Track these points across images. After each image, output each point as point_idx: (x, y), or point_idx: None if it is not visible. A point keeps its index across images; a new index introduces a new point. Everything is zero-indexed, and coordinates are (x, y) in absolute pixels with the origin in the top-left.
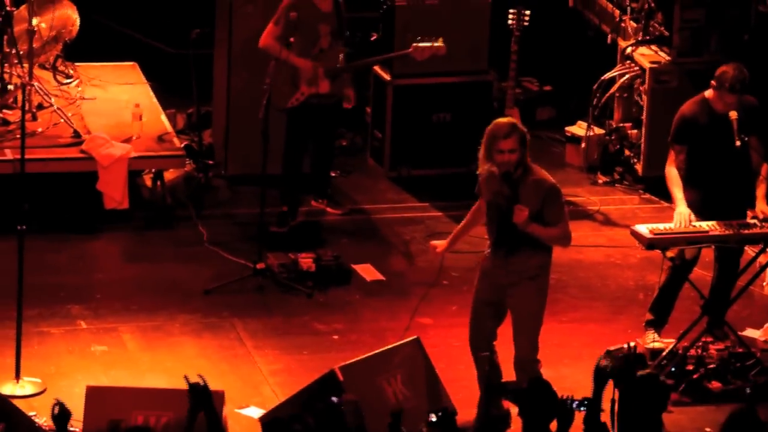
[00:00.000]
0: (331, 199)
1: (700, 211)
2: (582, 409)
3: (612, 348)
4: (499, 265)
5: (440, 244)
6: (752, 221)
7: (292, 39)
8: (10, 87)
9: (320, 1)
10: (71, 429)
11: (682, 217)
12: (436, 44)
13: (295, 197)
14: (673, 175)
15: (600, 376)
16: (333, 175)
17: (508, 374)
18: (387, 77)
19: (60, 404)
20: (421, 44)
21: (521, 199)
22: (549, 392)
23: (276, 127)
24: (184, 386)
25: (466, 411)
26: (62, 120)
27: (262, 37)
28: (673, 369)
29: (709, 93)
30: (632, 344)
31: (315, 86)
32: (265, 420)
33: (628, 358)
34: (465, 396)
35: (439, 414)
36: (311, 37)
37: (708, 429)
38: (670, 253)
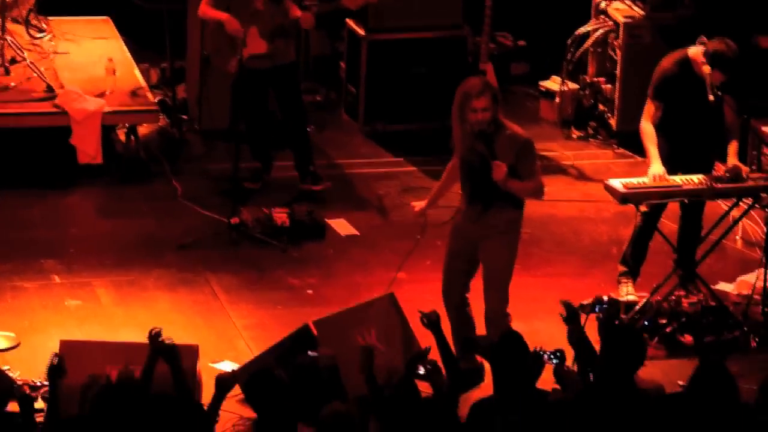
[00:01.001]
0: (314, 176)
1: (669, 161)
2: (554, 360)
3: (585, 302)
4: (473, 220)
5: (419, 204)
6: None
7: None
8: None
9: None
10: (44, 383)
11: (656, 173)
12: None
13: (264, 153)
14: (648, 130)
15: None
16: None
17: (481, 326)
18: (361, 32)
19: (60, 359)
20: None
21: (496, 155)
22: (520, 345)
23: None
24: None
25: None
26: (35, 74)
27: (200, 6)
28: (646, 323)
29: (693, 54)
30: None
31: (249, 47)
32: (238, 374)
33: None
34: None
35: (428, 367)
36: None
37: (681, 382)
38: (643, 208)
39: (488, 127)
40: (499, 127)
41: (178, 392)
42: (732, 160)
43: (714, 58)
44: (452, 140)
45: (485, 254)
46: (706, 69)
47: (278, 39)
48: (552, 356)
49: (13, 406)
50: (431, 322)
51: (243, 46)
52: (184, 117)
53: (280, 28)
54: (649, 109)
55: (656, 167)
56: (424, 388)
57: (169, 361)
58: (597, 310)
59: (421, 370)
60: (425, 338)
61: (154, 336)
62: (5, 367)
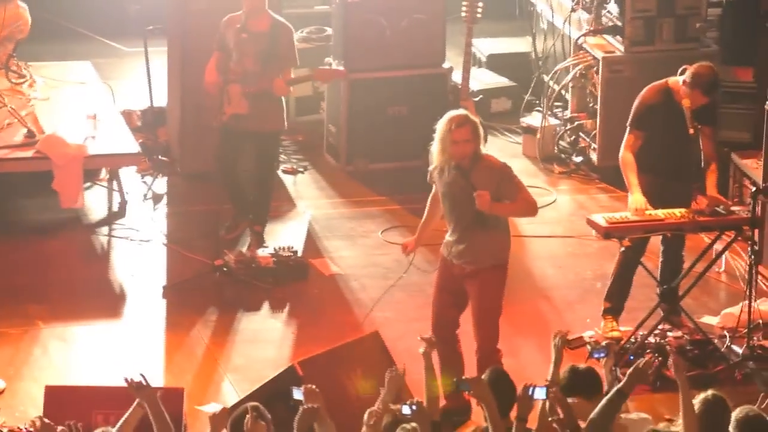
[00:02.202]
0: (258, 237)
1: (649, 191)
2: (542, 396)
3: (570, 337)
4: (458, 252)
5: (410, 242)
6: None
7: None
8: None
9: (253, 23)
10: (31, 429)
11: (637, 203)
12: (339, 69)
13: (241, 198)
14: (629, 160)
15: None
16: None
17: (470, 362)
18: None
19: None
20: (324, 69)
21: (477, 186)
22: (507, 382)
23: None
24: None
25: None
26: (16, 120)
27: (206, 70)
28: (631, 357)
29: (673, 83)
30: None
31: (232, 106)
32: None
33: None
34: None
35: (413, 406)
36: (237, 57)
37: (667, 416)
38: (626, 243)
39: (466, 160)
40: (477, 159)
41: None
42: (711, 191)
43: (695, 79)
44: (431, 174)
45: (474, 289)
46: (686, 102)
47: (264, 101)
48: (541, 391)
49: None
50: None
51: (228, 104)
52: (166, 159)
53: (262, 92)
54: (629, 139)
55: (637, 196)
56: None
57: (151, 408)
58: (595, 356)
59: (406, 410)
60: (410, 375)
61: (134, 386)
62: None
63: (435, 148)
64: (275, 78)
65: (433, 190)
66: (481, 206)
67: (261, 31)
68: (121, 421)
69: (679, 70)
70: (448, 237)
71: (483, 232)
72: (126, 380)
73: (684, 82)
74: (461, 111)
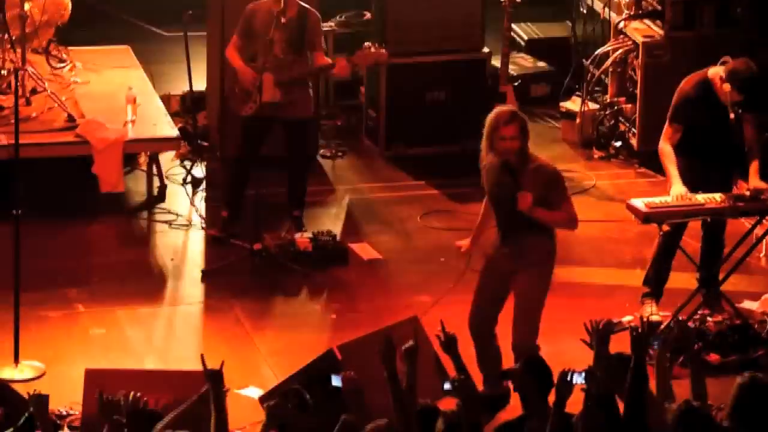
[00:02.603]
0: (297, 222)
1: (690, 182)
2: (581, 381)
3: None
4: (504, 253)
5: (465, 243)
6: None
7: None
8: (3, 72)
9: (279, 9)
10: (71, 411)
11: (679, 195)
12: (381, 51)
13: (237, 198)
14: (667, 151)
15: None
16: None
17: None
18: None
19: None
20: (364, 51)
21: (523, 186)
22: (542, 367)
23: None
24: (182, 368)
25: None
26: (56, 104)
27: (227, 48)
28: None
29: (712, 74)
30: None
31: (264, 95)
32: (264, 399)
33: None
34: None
35: (455, 382)
36: (265, 45)
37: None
38: (665, 227)
39: (515, 157)
40: (526, 159)
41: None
42: (753, 179)
43: (731, 76)
44: (482, 179)
45: (518, 286)
46: (726, 87)
47: (296, 89)
48: (579, 377)
49: None
50: (448, 343)
51: (258, 94)
52: (206, 144)
53: (298, 78)
54: (668, 131)
55: (677, 187)
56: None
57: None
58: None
59: (447, 385)
60: (449, 360)
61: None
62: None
63: (483, 146)
64: (335, 61)
65: (486, 196)
66: (521, 206)
67: (290, 18)
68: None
69: (720, 61)
70: (496, 235)
71: (530, 234)
72: (203, 364)
73: (721, 77)
74: (509, 107)
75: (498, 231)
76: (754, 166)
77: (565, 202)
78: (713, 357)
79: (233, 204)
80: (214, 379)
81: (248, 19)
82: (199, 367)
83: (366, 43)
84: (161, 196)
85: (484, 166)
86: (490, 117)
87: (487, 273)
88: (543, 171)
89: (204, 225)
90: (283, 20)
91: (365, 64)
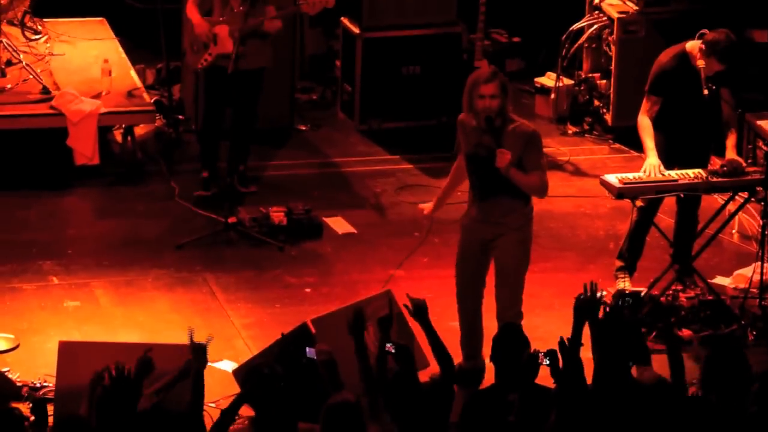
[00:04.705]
0: (241, 176)
1: (666, 155)
2: (546, 362)
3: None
4: (482, 218)
5: (427, 206)
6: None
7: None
8: None
9: None
10: (45, 384)
11: (652, 167)
12: None
13: (212, 156)
14: (645, 124)
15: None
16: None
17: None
18: (356, 30)
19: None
20: None
21: (503, 146)
22: (518, 335)
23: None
24: (156, 340)
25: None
26: (31, 76)
27: (187, 4)
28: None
29: (690, 47)
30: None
31: (218, 47)
32: (238, 372)
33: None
34: None
35: (397, 347)
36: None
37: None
38: (639, 203)
39: (496, 117)
40: (506, 120)
41: (193, 403)
42: (730, 153)
43: (711, 47)
44: (457, 141)
45: (498, 252)
46: (701, 63)
47: (250, 41)
48: (545, 357)
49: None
50: (417, 309)
51: (214, 45)
52: (181, 117)
53: (252, 30)
54: (646, 104)
55: (652, 159)
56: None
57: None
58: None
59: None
60: (422, 334)
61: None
62: (5, 369)
63: (464, 105)
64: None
65: (458, 160)
66: (499, 163)
67: None
68: (164, 381)
69: (697, 34)
70: (472, 202)
71: (506, 197)
72: (191, 337)
73: (700, 48)
74: (490, 66)
75: (473, 197)
76: (731, 140)
77: (540, 168)
78: (685, 332)
79: (209, 162)
80: (198, 353)
81: None
82: (172, 341)
83: (342, 18)
84: (136, 169)
85: (460, 122)
86: (471, 76)
87: (466, 244)
88: (524, 130)
89: (178, 196)
90: None
91: (313, 11)
